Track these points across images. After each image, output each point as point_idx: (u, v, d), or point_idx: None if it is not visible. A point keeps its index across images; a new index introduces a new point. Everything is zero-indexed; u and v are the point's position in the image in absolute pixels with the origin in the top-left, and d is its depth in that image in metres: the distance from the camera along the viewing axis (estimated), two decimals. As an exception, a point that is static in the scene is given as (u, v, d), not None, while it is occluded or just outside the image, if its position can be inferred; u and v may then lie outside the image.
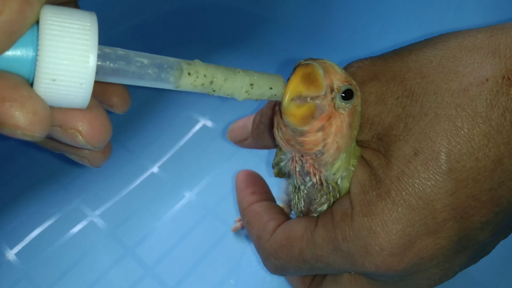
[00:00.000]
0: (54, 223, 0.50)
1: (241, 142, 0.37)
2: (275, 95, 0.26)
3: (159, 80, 0.23)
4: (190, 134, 0.58)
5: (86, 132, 0.23)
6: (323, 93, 0.26)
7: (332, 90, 0.26)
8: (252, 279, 0.46)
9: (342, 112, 0.27)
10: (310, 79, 0.25)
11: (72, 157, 0.28)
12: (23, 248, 0.48)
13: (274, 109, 0.32)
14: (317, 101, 0.26)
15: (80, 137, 0.23)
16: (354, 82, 0.27)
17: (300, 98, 0.26)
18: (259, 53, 0.67)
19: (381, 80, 0.28)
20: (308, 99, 0.26)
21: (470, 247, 0.28)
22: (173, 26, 0.69)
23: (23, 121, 0.20)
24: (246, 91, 0.25)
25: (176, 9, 0.70)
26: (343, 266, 0.28)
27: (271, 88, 0.26)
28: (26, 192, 0.53)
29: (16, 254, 0.48)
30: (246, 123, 0.37)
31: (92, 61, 0.21)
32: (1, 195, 0.52)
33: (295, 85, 0.25)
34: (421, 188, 0.25)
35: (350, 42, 0.63)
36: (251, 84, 0.25)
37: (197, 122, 0.60)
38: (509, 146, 0.25)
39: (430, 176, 0.25)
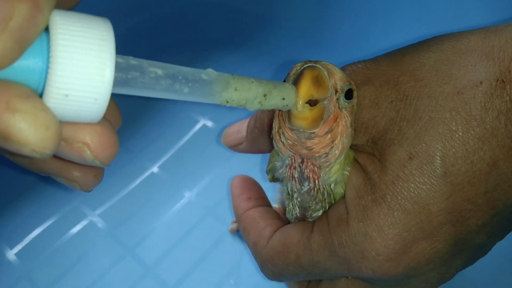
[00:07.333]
0: (54, 223, 0.50)
1: (235, 147, 0.37)
2: (287, 105, 0.25)
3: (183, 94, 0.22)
4: (190, 134, 0.58)
5: (95, 146, 0.21)
6: (329, 95, 0.26)
7: (336, 91, 0.26)
8: (252, 279, 0.46)
9: (345, 111, 0.27)
10: (318, 82, 0.25)
11: (61, 180, 0.25)
12: (23, 248, 0.48)
13: (269, 114, 0.32)
14: (325, 102, 0.26)
15: (88, 152, 0.21)
16: (351, 81, 0.27)
17: (310, 101, 0.25)
18: (258, 53, 0.67)
19: (374, 83, 0.28)
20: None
21: (466, 250, 0.28)
22: (172, 26, 0.69)
23: (34, 136, 0.17)
24: (259, 102, 0.24)
25: (176, 9, 0.70)
26: (340, 271, 0.28)
27: (283, 99, 0.25)
28: (26, 192, 0.53)
29: (16, 254, 0.48)
30: (240, 127, 0.36)
31: (108, 75, 0.19)
32: (1, 195, 0.52)
33: (307, 89, 0.25)
34: (416, 192, 0.25)
35: (349, 42, 0.63)
36: (265, 95, 0.24)
37: (197, 122, 0.60)
38: (504, 148, 0.25)
39: (425, 180, 0.25)
